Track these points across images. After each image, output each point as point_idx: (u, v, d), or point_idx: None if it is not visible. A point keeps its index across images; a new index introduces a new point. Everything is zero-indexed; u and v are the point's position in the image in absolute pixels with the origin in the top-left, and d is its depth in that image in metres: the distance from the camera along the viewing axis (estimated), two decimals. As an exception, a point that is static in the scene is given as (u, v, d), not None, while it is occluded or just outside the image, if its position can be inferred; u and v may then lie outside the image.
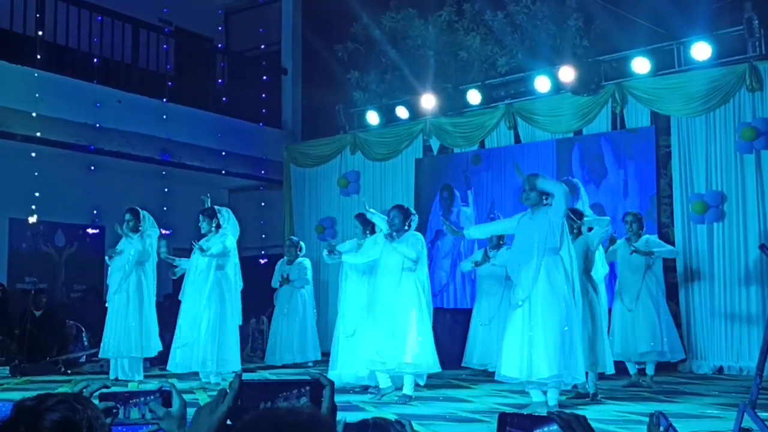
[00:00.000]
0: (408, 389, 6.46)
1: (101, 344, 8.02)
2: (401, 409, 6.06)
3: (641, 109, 9.26)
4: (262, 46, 13.72)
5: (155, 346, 8.10)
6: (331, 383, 1.44)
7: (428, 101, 10.55)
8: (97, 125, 10.40)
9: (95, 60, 10.81)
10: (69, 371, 8.77)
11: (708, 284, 8.57)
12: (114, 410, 1.90)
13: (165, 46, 11.96)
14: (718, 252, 8.54)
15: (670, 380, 7.75)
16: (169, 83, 11.69)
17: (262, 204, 12.85)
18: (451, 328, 9.80)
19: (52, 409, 1.53)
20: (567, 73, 9.35)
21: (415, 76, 10.79)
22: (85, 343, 9.52)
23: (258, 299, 9.95)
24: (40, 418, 1.51)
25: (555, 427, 1.35)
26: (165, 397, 1.66)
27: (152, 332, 8.07)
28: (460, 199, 10.58)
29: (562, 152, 9.77)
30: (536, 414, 1.42)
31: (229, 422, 1.41)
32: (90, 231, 11.61)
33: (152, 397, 1.67)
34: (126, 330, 7.87)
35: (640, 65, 9.08)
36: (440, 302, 10.31)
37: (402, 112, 11.08)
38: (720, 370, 8.40)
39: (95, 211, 11.27)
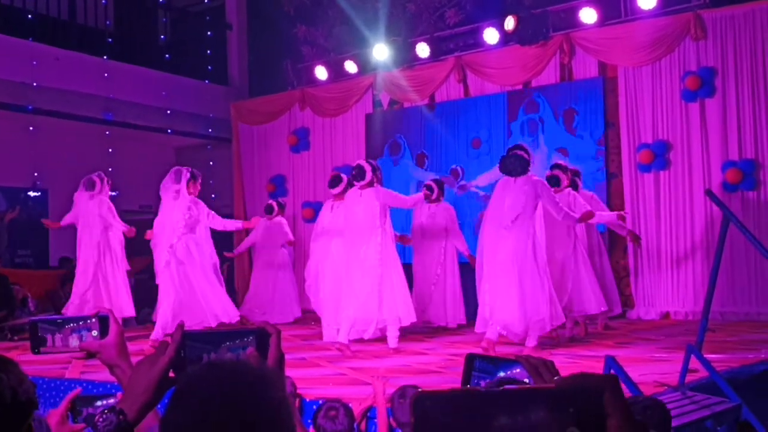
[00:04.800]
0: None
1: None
2: (356, 363, 6.06)
3: (589, 60, 9.29)
4: (206, 1, 13.33)
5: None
6: (278, 331, 1.38)
7: (378, 55, 10.41)
8: (35, 84, 10.02)
9: (29, 16, 10.36)
10: (15, 337, 8.57)
11: (654, 232, 8.74)
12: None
13: (104, 1, 11.51)
14: (665, 200, 8.70)
15: (619, 327, 7.92)
16: (109, 40, 11.29)
17: (210, 163, 12.60)
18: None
19: None
20: (515, 24, 9.30)
21: (364, 29, 10.60)
22: (32, 309, 9.29)
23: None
24: None
25: (519, 369, 1.32)
26: (102, 323, 1.57)
27: None
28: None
29: (512, 105, 9.76)
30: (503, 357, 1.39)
31: (171, 374, 1.35)
32: (32, 194, 11.24)
33: (89, 322, 1.56)
34: None
35: (588, 15, 9.07)
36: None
37: (351, 66, 10.91)
38: (667, 315, 8.61)
39: (36, 174, 10.91)
